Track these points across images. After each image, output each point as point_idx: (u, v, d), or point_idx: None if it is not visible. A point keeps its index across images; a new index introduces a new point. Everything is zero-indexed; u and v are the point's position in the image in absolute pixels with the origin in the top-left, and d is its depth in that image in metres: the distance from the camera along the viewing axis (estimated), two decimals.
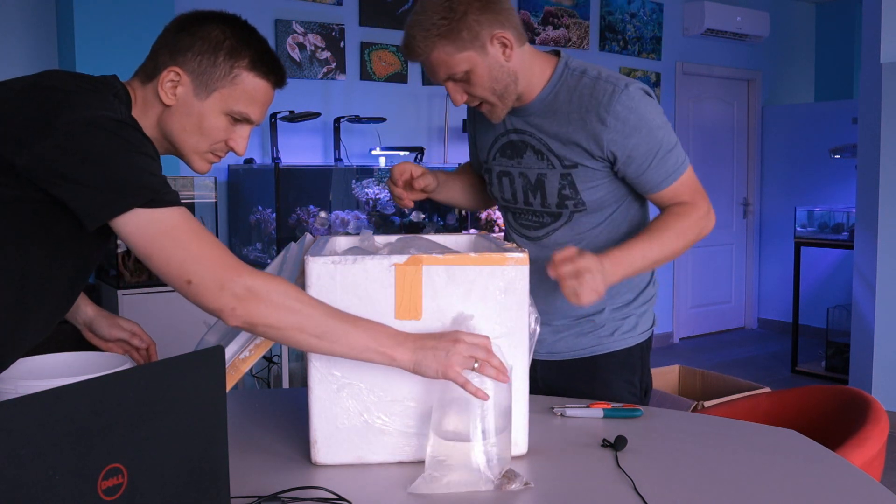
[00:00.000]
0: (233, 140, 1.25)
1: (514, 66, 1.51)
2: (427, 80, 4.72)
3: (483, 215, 4.55)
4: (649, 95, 1.55)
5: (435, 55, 1.46)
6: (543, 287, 1.58)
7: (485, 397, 1.14)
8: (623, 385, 1.69)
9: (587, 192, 1.61)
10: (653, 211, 1.74)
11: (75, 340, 3.82)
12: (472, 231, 4.47)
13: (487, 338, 1.17)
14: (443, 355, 1.13)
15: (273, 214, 3.83)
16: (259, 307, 1.10)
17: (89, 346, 1.48)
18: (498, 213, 4.50)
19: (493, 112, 1.57)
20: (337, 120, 4.32)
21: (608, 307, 1.68)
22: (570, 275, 1.37)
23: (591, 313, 1.68)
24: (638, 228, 1.69)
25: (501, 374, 1.14)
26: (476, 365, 1.13)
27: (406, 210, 1.74)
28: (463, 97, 1.53)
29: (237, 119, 1.24)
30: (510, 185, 1.68)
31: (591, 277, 1.38)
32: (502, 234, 1.89)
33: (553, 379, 1.71)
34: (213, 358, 0.85)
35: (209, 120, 1.22)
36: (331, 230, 4.02)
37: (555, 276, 1.39)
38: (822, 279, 6.09)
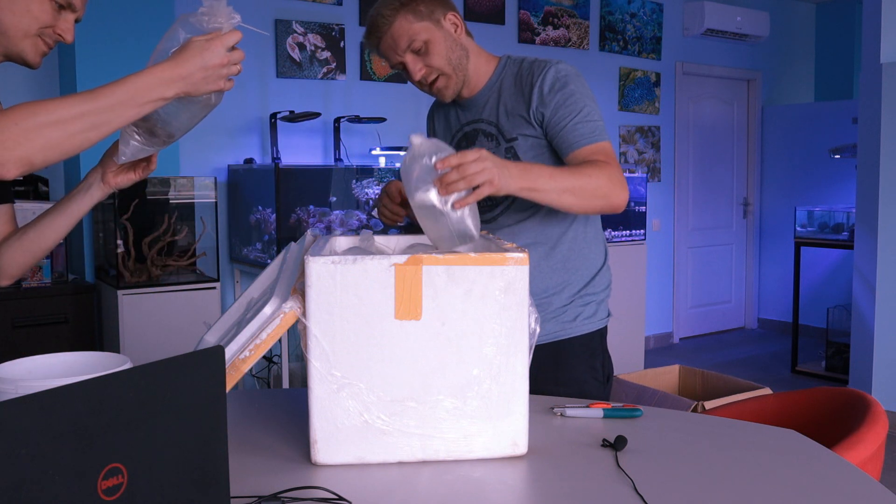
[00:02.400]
0: (60, 28, 1.32)
1: (465, 43, 1.72)
2: None
3: None
4: (580, 76, 1.70)
5: (397, 24, 1.65)
6: None
7: (232, 81, 1.23)
8: (586, 369, 1.77)
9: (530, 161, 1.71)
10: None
11: (75, 340, 3.82)
12: None
13: (226, 34, 1.20)
14: (215, 77, 1.19)
15: (273, 214, 3.83)
16: (15, 148, 1.12)
17: (89, 346, 1.47)
18: None
19: (447, 86, 1.72)
20: (337, 120, 4.32)
21: (566, 290, 1.76)
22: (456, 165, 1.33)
23: (550, 294, 1.75)
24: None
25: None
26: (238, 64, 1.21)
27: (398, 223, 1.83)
28: (422, 69, 1.68)
29: (61, 6, 1.31)
30: None
31: (480, 160, 1.35)
32: None
33: None
34: (213, 358, 0.85)
35: (34, 4, 1.29)
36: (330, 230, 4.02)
37: (442, 167, 1.32)
38: (822, 279, 6.10)
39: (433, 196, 1.32)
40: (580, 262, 1.78)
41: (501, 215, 1.78)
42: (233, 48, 1.21)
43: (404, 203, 1.75)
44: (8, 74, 1.48)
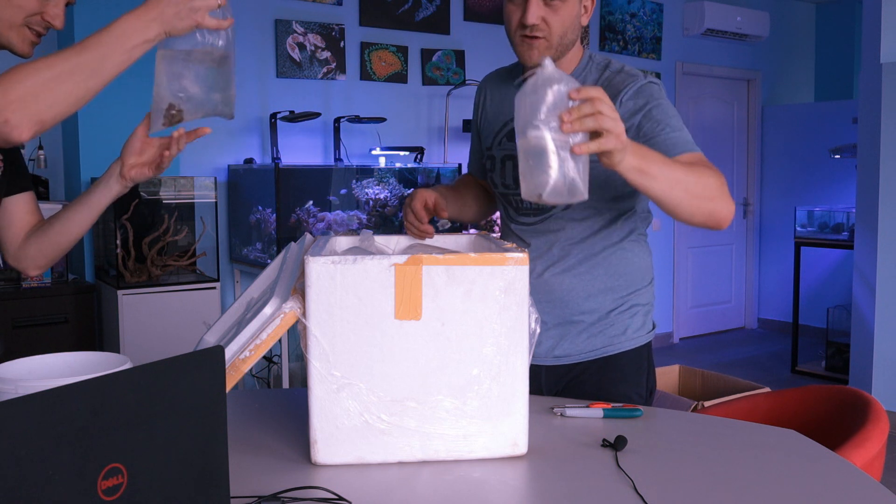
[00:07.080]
0: (49, 14, 1.31)
1: (579, 30, 1.61)
2: (427, 80, 4.73)
3: None
4: (662, 91, 1.60)
5: None
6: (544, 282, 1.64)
7: (231, 21, 1.25)
8: (631, 387, 1.67)
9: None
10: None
11: (75, 340, 3.82)
12: (472, 231, 4.47)
13: None
14: (186, 10, 1.20)
15: (273, 214, 3.83)
16: (25, 109, 1.12)
17: (89, 346, 1.47)
18: (498, 213, 4.49)
19: (540, 49, 1.57)
20: (337, 120, 4.32)
21: (610, 298, 1.65)
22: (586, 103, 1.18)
23: (592, 301, 1.65)
24: (640, 224, 1.70)
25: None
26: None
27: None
28: (540, 17, 1.54)
29: None
30: (513, 170, 1.68)
31: (612, 108, 1.19)
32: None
33: (559, 387, 1.69)
34: (213, 358, 0.85)
35: None
36: (331, 230, 4.02)
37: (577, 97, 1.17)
38: (822, 279, 6.10)
39: (550, 136, 1.15)
40: (624, 266, 1.67)
41: (543, 221, 1.68)
42: None
43: (432, 220, 1.64)
44: (5, 67, 1.47)
